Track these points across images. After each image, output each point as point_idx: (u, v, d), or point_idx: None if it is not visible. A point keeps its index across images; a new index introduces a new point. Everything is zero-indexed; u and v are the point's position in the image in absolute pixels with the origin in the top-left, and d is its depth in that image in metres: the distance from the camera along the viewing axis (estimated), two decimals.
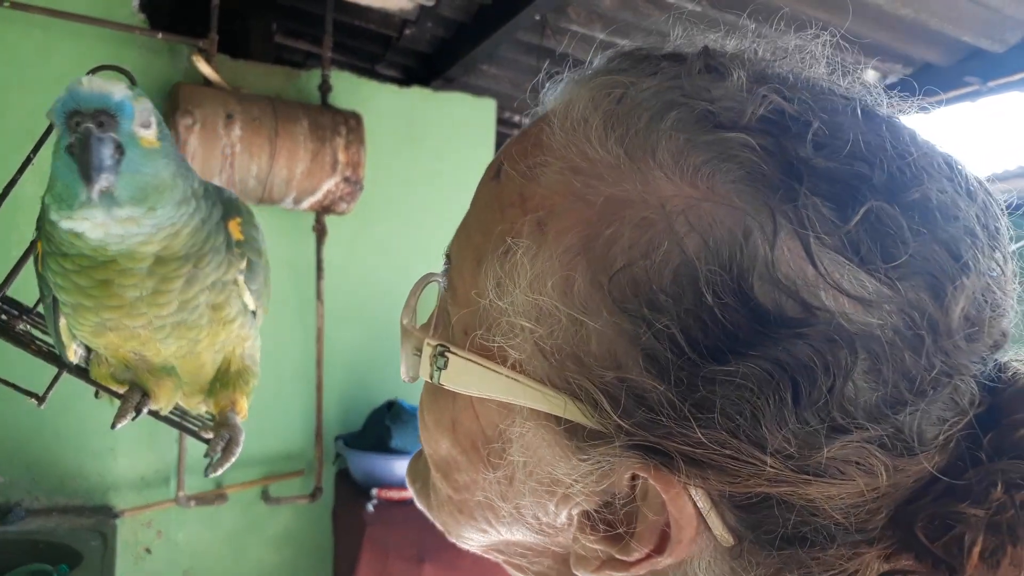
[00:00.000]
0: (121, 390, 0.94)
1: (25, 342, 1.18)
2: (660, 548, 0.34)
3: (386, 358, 3.05)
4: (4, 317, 1.23)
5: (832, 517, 0.32)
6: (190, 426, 1.08)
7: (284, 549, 2.87)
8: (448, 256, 0.44)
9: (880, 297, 0.31)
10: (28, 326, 1.32)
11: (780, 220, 0.31)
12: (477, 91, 3.34)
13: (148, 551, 2.64)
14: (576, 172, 0.36)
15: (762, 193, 0.32)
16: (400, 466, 2.55)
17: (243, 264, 0.90)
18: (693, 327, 0.31)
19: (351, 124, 2.61)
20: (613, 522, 0.35)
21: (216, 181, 2.43)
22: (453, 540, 0.47)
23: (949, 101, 2.96)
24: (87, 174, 0.71)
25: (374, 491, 2.50)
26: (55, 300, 0.87)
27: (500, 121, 3.51)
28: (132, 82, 0.86)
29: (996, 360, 0.35)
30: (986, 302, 0.33)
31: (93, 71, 0.84)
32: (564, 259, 0.34)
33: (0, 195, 1.12)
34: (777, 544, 0.33)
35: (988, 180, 0.38)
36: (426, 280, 0.47)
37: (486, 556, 0.46)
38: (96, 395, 1.01)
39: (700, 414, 0.31)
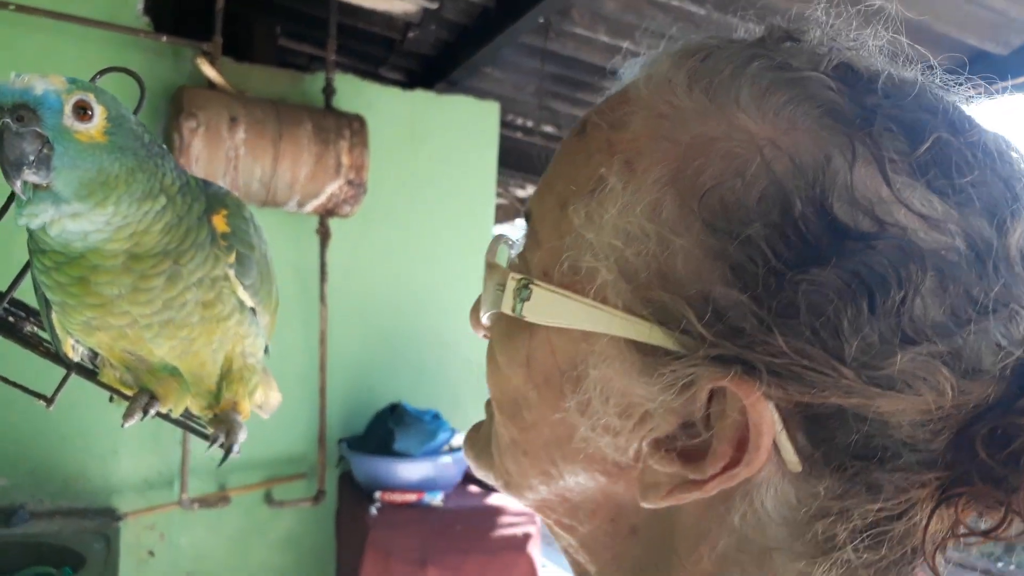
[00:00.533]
0: (130, 392, 0.94)
1: (33, 343, 1.18)
2: (736, 461, 0.35)
3: (390, 361, 3.05)
4: (11, 319, 1.23)
5: (900, 433, 0.34)
6: (195, 426, 1.08)
7: (287, 552, 2.87)
8: (527, 213, 0.45)
9: (947, 217, 0.34)
10: (36, 328, 1.32)
11: (858, 146, 0.34)
12: (480, 94, 3.34)
13: (151, 554, 2.65)
14: (662, 118, 0.39)
15: (840, 125, 0.35)
16: (403, 469, 2.55)
17: (231, 258, 0.89)
18: (777, 240, 0.34)
19: (355, 127, 2.61)
20: (689, 444, 0.37)
21: (220, 183, 2.43)
22: (512, 495, 0.47)
23: None
24: (4, 169, 0.71)
25: (377, 494, 2.50)
26: (47, 299, 0.88)
27: (503, 124, 3.51)
28: (139, 84, 0.85)
29: None
30: None
31: (100, 73, 0.84)
32: (653, 188, 0.37)
33: (6, 201, 1.13)
34: (843, 464, 0.35)
35: None
36: (501, 238, 0.49)
37: (539, 515, 0.47)
38: (111, 399, 1.00)
39: (783, 321, 0.33)
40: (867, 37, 0.41)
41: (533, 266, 0.42)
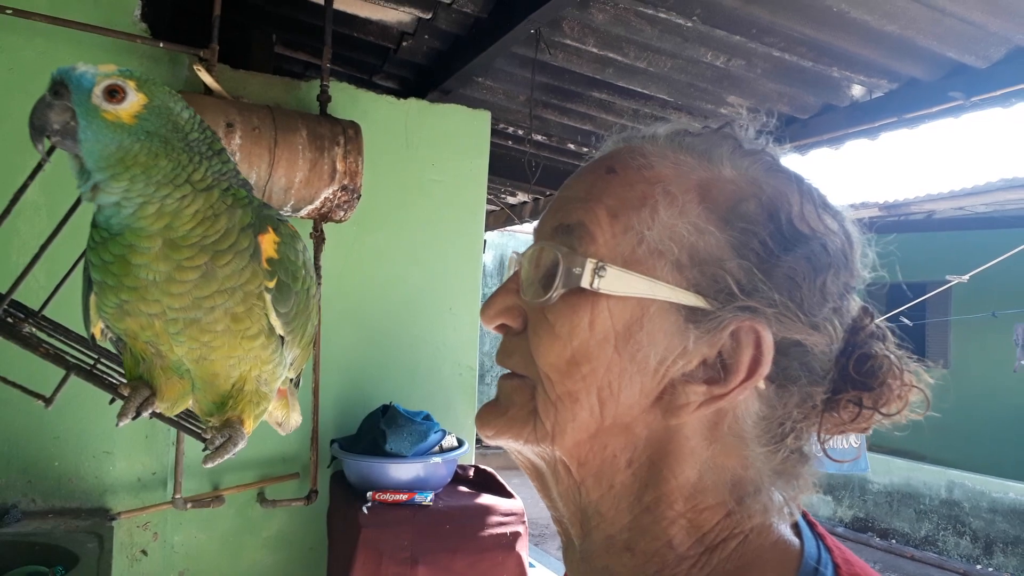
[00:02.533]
0: (126, 391, 0.96)
1: (33, 344, 1.21)
2: (751, 374, 0.55)
3: (382, 363, 3.09)
4: (11, 320, 1.27)
5: (816, 359, 0.57)
6: (192, 428, 1.11)
7: (279, 551, 2.89)
8: (569, 225, 0.60)
9: (837, 232, 0.59)
10: (34, 329, 1.35)
11: (801, 189, 0.60)
12: (472, 103, 3.39)
13: (144, 553, 2.66)
14: (678, 165, 0.60)
15: (785, 180, 0.60)
16: (394, 469, 2.58)
17: (272, 282, 0.92)
18: (767, 236, 0.56)
19: (349, 134, 2.64)
20: (712, 372, 0.56)
21: None
22: (547, 443, 0.59)
23: (934, 116, 3.02)
24: (30, 131, 0.80)
25: (369, 494, 2.53)
26: (90, 280, 0.92)
27: (494, 132, 3.56)
28: None
29: None
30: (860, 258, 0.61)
31: None
32: (691, 204, 0.57)
33: (8, 203, 1.17)
34: (787, 382, 0.56)
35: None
36: (539, 247, 0.62)
37: (568, 458, 0.59)
38: (111, 401, 1.03)
39: (776, 283, 0.55)
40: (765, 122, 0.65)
41: (592, 255, 0.57)
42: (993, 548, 6.54)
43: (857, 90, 3.19)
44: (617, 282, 0.56)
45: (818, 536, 0.59)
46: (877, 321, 0.61)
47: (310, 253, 2.86)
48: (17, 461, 2.48)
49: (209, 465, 0.96)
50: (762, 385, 0.56)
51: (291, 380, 1.18)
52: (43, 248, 1.29)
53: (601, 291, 0.56)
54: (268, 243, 0.92)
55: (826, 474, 0.62)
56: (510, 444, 0.62)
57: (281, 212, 2.63)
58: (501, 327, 0.63)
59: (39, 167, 0.98)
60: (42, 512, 2.48)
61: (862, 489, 7.59)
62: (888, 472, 7.43)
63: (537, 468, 0.63)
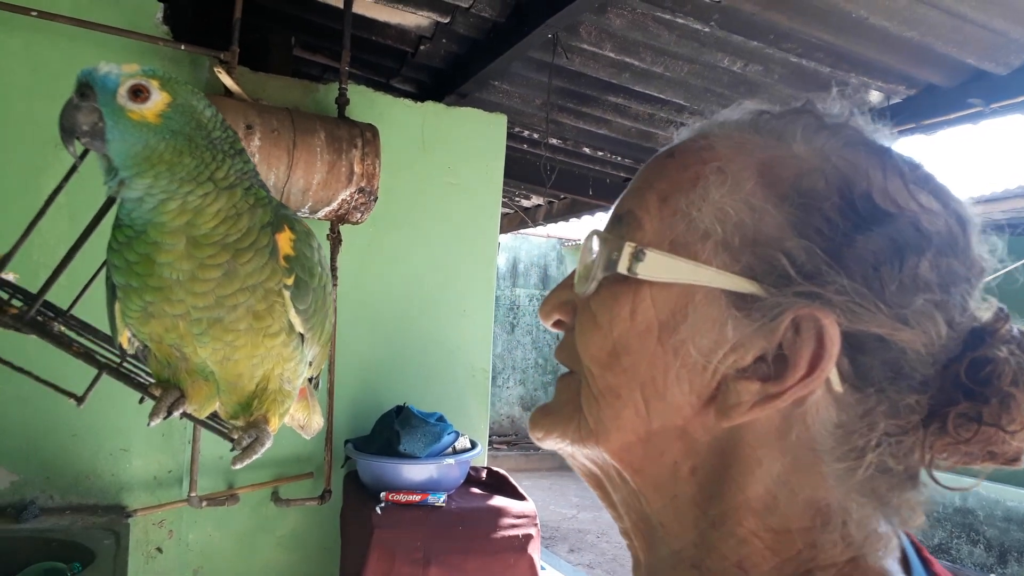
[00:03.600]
0: (158, 392, 0.99)
1: (65, 343, 1.23)
2: (811, 370, 0.47)
3: (397, 364, 3.10)
4: (40, 318, 1.28)
5: (909, 360, 0.48)
6: (220, 428, 1.12)
7: (293, 550, 2.91)
8: (620, 215, 0.57)
9: (938, 211, 0.50)
10: (63, 328, 1.36)
11: (886, 163, 0.52)
12: (489, 106, 3.40)
13: (159, 550, 2.69)
14: (741, 144, 0.54)
15: (870, 153, 0.53)
16: (408, 470, 2.60)
17: (290, 279, 0.93)
18: (837, 214, 0.49)
19: (367, 136, 2.66)
20: (767, 368, 0.49)
21: None
22: (593, 442, 0.55)
23: (952, 122, 3.01)
24: (61, 134, 0.82)
25: (382, 494, 2.54)
26: (113, 288, 0.93)
27: (510, 135, 3.57)
28: None
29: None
30: (979, 245, 0.51)
31: None
32: (747, 181, 0.52)
33: (43, 204, 1.18)
34: (873, 382, 0.48)
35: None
36: (593, 232, 0.58)
37: (620, 464, 0.55)
38: (141, 400, 1.05)
39: (845, 268, 0.48)
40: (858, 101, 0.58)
41: (636, 241, 0.53)
42: (1007, 557, 6.49)
43: (875, 96, 3.18)
44: (657, 267, 0.52)
45: (931, 574, 0.52)
46: (1019, 328, 0.51)
47: (325, 251, 2.89)
48: (35, 458, 2.50)
49: (238, 466, 0.97)
50: (838, 387, 0.48)
51: (310, 380, 1.20)
52: (74, 249, 1.30)
53: (641, 276, 0.52)
54: (285, 241, 0.94)
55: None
56: (559, 446, 0.58)
57: (298, 213, 2.66)
58: (558, 323, 0.60)
59: (73, 169, 1.00)
60: (60, 509, 2.51)
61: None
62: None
63: (594, 475, 0.59)
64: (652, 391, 0.52)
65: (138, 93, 0.82)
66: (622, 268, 0.53)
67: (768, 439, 0.50)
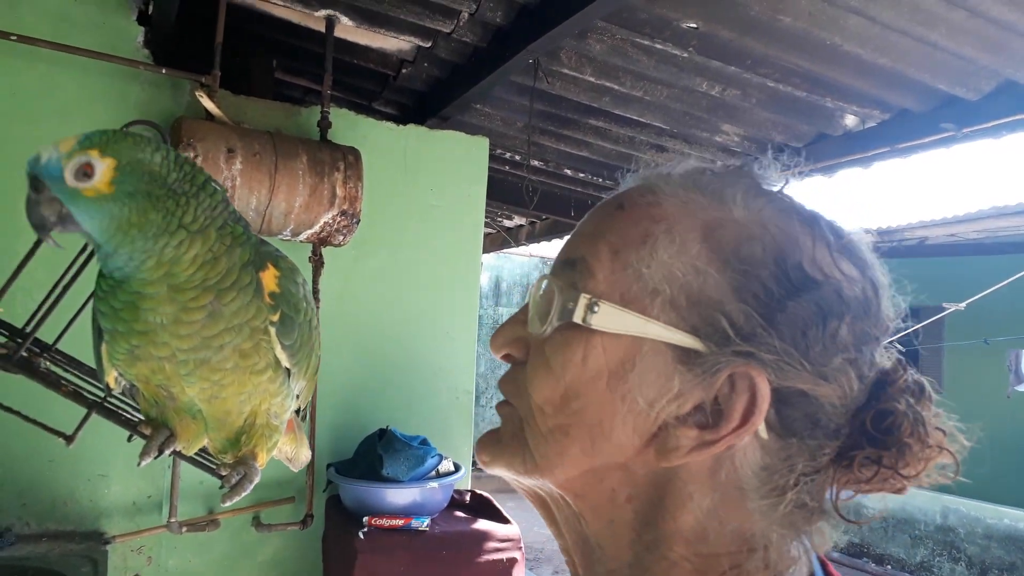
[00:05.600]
0: (148, 431, 0.99)
1: (54, 383, 1.22)
2: (744, 422, 0.52)
3: (379, 387, 3.09)
4: (26, 354, 1.27)
5: (825, 412, 0.54)
6: (208, 464, 1.12)
7: (274, 575, 2.88)
8: (572, 260, 0.60)
9: (856, 278, 0.56)
10: (50, 364, 1.35)
11: (815, 232, 0.57)
12: (471, 129, 3.43)
13: None
14: (686, 203, 0.59)
15: (800, 222, 0.58)
16: (391, 494, 2.58)
17: (276, 316, 0.93)
18: (772, 280, 0.54)
19: (349, 160, 2.67)
20: (704, 417, 0.54)
21: None
22: (539, 475, 0.59)
23: (926, 146, 3.06)
24: (35, 230, 0.83)
25: (365, 519, 2.52)
26: (100, 330, 0.93)
27: (492, 157, 3.59)
28: (161, 135, 0.92)
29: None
30: (889, 307, 0.58)
31: (126, 126, 0.91)
32: (693, 244, 0.56)
33: (26, 254, 1.18)
34: (791, 432, 0.54)
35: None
36: (542, 278, 0.62)
37: (563, 491, 0.59)
38: (129, 439, 1.05)
39: (777, 329, 0.53)
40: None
41: (590, 291, 0.57)
42: (988, 574, 6.53)
43: (850, 120, 3.24)
44: (610, 319, 0.56)
45: None
46: (914, 376, 0.57)
47: (310, 286, 2.87)
48: (11, 484, 2.47)
49: (227, 504, 0.98)
50: (764, 435, 0.54)
51: (297, 412, 1.20)
52: (58, 293, 1.30)
53: (594, 327, 0.56)
54: (270, 278, 0.94)
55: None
56: (505, 474, 0.62)
57: (280, 236, 2.66)
58: (507, 356, 0.64)
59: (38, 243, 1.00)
60: (36, 536, 2.47)
61: (856, 514, 7.57)
62: (883, 497, 7.38)
63: (539, 496, 0.63)
64: (599, 432, 0.56)
65: (84, 171, 0.81)
66: (577, 318, 0.56)
67: (700, 477, 0.55)
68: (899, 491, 0.56)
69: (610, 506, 0.58)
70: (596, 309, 0.56)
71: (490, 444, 0.63)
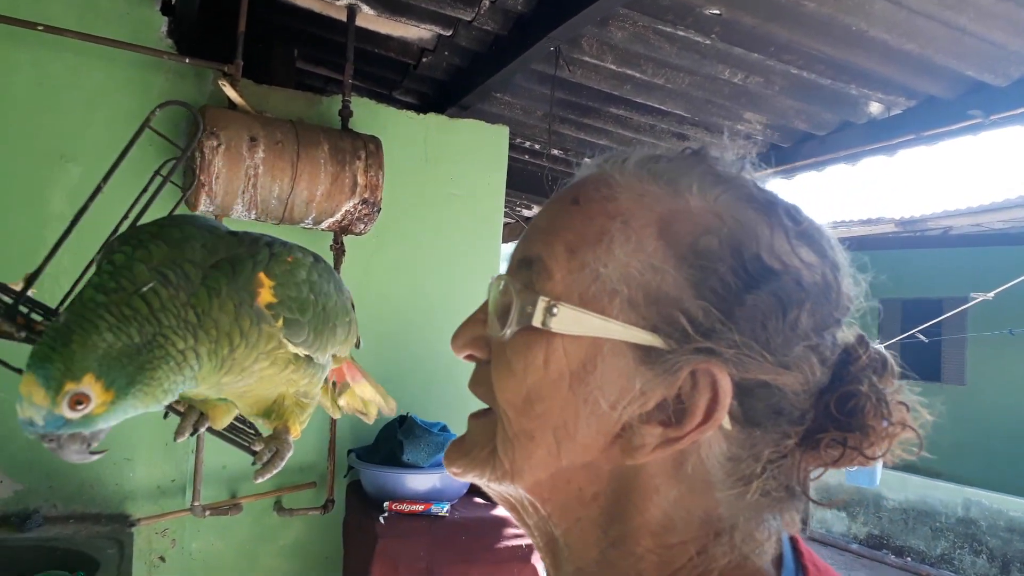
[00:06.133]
0: (182, 408, 1.01)
1: None
2: (707, 418, 0.52)
3: (400, 373, 3.11)
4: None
5: (788, 399, 0.53)
6: (241, 441, 1.14)
7: (295, 560, 2.92)
8: (528, 259, 0.59)
9: (816, 264, 0.55)
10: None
11: (771, 221, 0.56)
12: (491, 118, 3.43)
13: (162, 559, 2.69)
14: (642, 196, 0.57)
15: (757, 209, 0.57)
16: (411, 480, 2.60)
17: (280, 323, 0.90)
18: (729, 273, 0.53)
19: (370, 148, 2.68)
20: (668, 414, 0.54)
21: (239, 202, 2.50)
22: (509, 480, 0.59)
23: (952, 133, 3.02)
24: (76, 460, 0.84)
25: (385, 504, 2.54)
26: None
27: (512, 147, 3.59)
28: (196, 117, 0.92)
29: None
30: (849, 284, 0.58)
31: (159, 107, 0.91)
32: (649, 240, 0.55)
33: (67, 228, 1.19)
34: (756, 422, 0.53)
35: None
36: (502, 278, 0.61)
37: (530, 497, 0.59)
38: (165, 416, 1.06)
39: (736, 324, 0.52)
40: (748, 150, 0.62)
41: (548, 293, 0.56)
42: (1011, 567, 6.47)
43: (875, 107, 3.20)
44: (569, 321, 0.55)
45: (801, 567, 0.58)
46: (877, 349, 0.57)
47: (323, 268, 2.88)
48: (39, 467, 2.51)
49: (259, 480, 0.99)
50: (728, 426, 0.53)
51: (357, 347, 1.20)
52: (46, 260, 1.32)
53: (554, 330, 0.55)
54: (264, 295, 0.90)
55: (841, 488, 0.59)
56: (476, 481, 0.62)
57: (302, 225, 2.67)
58: (470, 357, 0.64)
59: (97, 190, 1.02)
60: (63, 517, 2.51)
61: (877, 506, 7.54)
62: (903, 489, 7.37)
63: (509, 500, 0.63)
64: (563, 434, 0.56)
65: (78, 403, 0.77)
66: (536, 322, 0.55)
67: (665, 470, 0.55)
68: (868, 462, 0.56)
69: (577, 505, 0.58)
70: (555, 312, 0.55)
71: (458, 455, 0.63)
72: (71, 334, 0.77)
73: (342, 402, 1.26)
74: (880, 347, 0.58)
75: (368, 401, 1.27)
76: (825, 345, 0.55)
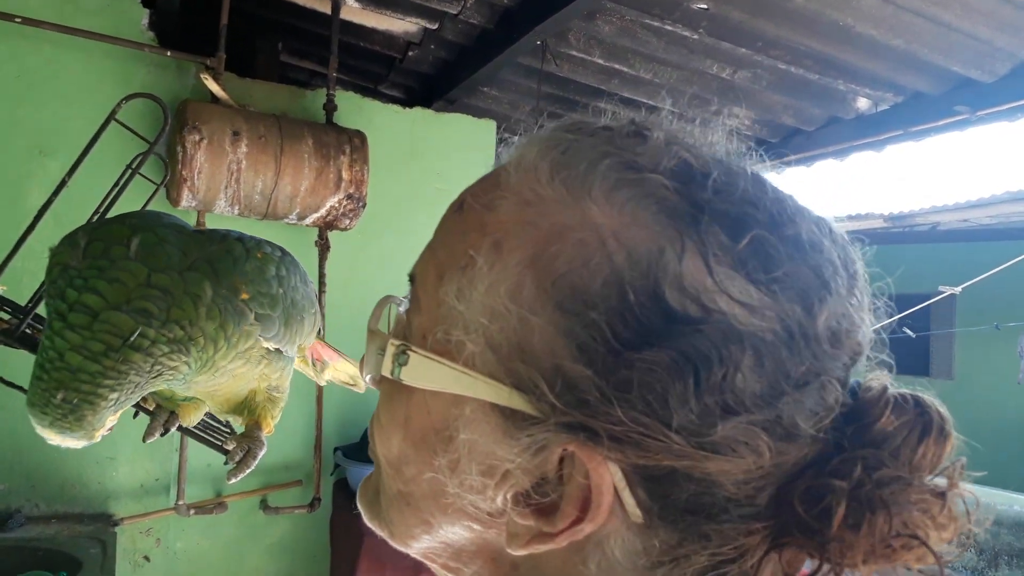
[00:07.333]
0: (151, 406, 0.99)
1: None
2: (582, 516, 0.39)
3: None
4: (29, 331, 1.26)
5: (726, 491, 0.39)
6: (214, 440, 1.12)
7: (282, 558, 2.90)
8: (412, 276, 0.49)
9: (763, 304, 0.38)
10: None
11: (687, 242, 0.39)
12: (477, 112, 3.40)
13: (147, 559, 2.67)
14: (527, 204, 0.42)
15: (673, 222, 0.39)
16: None
17: (251, 317, 0.90)
18: (616, 322, 0.38)
19: (355, 143, 2.66)
20: (542, 501, 0.41)
21: (222, 197, 2.48)
22: (397, 544, 0.50)
23: (939, 129, 3.02)
24: None
25: None
26: None
27: (499, 141, 3.55)
28: (163, 109, 0.90)
29: (856, 379, 0.43)
30: (844, 317, 0.41)
31: (126, 99, 0.89)
32: (516, 269, 0.41)
33: (27, 226, 1.17)
34: (679, 516, 0.39)
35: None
36: (388, 300, 0.52)
37: (425, 562, 0.49)
38: (135, 415, 1.05)
39: (620, 395, 0.37)
40: (713, 126, 0.47)
41: (414, 330, 0.46)
42: (999, 561, 6.52)
43: (863, 103, 3.20)
44: (419, 371, 0.43)
45: None
46: (921, 401, 0.42)
47: (313, 260, 2.89)
48: (20, 466, 2.48)
49: (233, 480, 0.98)
50: (638, 519, 0.40)
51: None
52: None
53: (404, 381, 0.44)
54: (244, 293, 0.90)
55: None
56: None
57: (286, 220, 2.65)
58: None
59: (62, 184, 1.00)
60: (45, 517, 2.48)
61: None
62: None
63: None
64: (437, 507, 0.45)
65: None
66: (386, 371, 0.45)
67: (565, 568, 0.42)
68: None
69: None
70: (405, 360, 0.44)
71: (363, 497, 0.53)
72: (83, 411, 0.82)
73: (327, 375, 1.24)
74: (928, 397, 0.42)
75: (354, 375, 1.26)
76: (790, 415, 0.38)
